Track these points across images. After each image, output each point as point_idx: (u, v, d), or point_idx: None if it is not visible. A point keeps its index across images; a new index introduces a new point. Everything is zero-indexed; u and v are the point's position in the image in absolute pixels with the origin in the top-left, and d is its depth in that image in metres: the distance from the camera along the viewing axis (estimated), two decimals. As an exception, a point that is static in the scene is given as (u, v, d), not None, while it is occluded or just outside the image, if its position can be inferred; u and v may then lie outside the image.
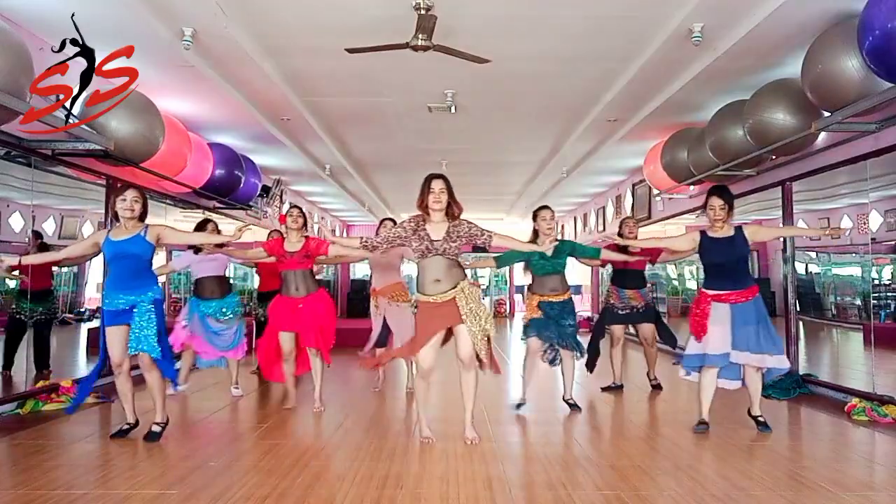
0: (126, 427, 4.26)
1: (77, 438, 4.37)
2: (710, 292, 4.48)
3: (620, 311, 6.17)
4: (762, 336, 4.37)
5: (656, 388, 6.20)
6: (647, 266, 6.42)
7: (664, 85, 6.41)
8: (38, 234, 5.92)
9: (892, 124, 4.96)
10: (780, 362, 4.42)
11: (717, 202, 4.51)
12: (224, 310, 5.91)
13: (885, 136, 5.09)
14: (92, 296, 8.85)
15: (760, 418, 4.51)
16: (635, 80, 6.21)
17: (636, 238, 6.08)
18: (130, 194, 4.14)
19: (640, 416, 4.98)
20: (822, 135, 5.73)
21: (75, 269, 9.40)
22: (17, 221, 5.79)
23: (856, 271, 6.83)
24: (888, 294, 6.29)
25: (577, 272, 17.06)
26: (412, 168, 11.37)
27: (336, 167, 10.80)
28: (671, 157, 7.72)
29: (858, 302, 6.80)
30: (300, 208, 5.33)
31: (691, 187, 8.28)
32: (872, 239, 5.75)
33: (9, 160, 5.22)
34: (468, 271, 4.29)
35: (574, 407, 5.19)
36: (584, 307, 15.88)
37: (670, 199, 8.99)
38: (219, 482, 3.32)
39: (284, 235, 5.27)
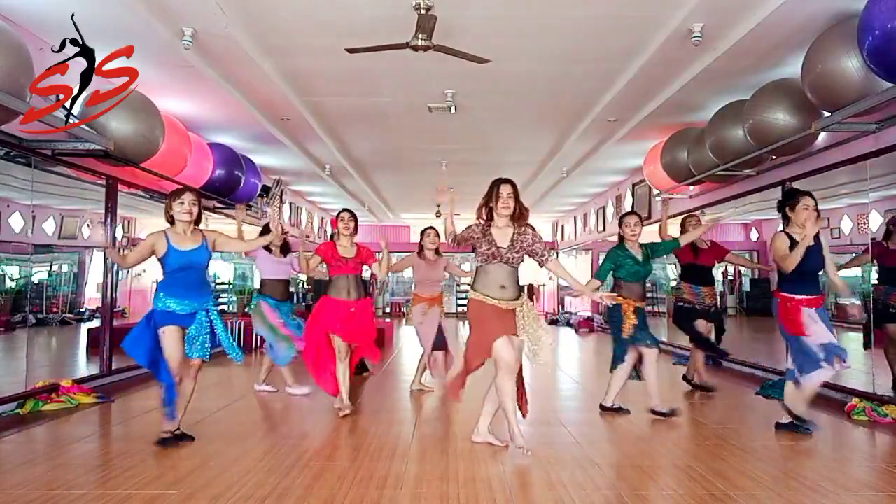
0: (168, 436, 4.03)
1: (77, 438, 4.37)
2: (805, 297, 4.30)
3: (698, 308, 6.02)
4: None
5: (699, 387, 6.11)
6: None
7: (664, 85, 6.42)
8: None
9: (892, 124, 4.97)
10: None
11: (811, 202, 4.33)
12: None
13: (885, 136, 5.10)
14: (92, 296, 8.84)
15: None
16: (635, 80, 6.21)
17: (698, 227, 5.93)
18: (188, 197, 4.01)
19: (641, 417, 4.97)
20: (822, 135, 5.73)
21: (75, 269, 9.40)
22: (17, 221, 5.79)
23: (856, 271, 6.82)
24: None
25: (578, 272, 17.15)
26: (412, 168, 11.39)
27: (336, 167, 10.81)
28: (671, 157, 7.72)
29: (858, 302, 6.80)
30: (352, 212, 5.26)
31: (691, 187, 8.28)
32: (872, 239, 5.75)
33: (9, 160, 5.23)
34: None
35: (670, 414, 4.91)
36: (584, 307, 15.88)
37: (670, 198, 8.98)
38: (219, 482, 3.32)
39: (335, 240, 5.18)
